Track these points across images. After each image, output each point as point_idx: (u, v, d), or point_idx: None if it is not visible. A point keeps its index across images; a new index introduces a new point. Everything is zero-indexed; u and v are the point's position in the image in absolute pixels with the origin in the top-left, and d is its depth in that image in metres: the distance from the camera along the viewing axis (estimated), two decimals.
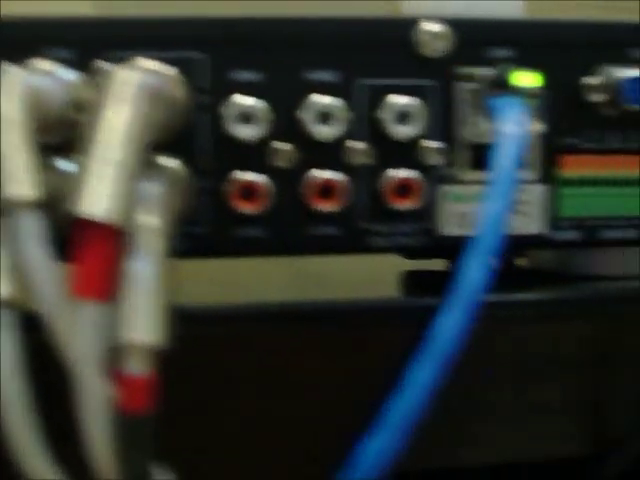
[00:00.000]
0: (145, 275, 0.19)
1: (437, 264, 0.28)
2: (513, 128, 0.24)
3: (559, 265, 0.30)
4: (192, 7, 0.62)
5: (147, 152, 0.21)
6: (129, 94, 0.20)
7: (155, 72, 0.23)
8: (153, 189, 0.20)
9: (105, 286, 0.19)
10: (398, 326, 0.25)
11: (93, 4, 0.61)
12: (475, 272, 0.22)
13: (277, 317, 0.24)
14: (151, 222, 0.19)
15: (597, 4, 0.72)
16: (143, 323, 0.18)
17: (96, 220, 0.18)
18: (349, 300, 0.25)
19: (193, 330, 0.24)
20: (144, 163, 0.22)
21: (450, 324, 0.22)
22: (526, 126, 0.25)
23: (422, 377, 0.21)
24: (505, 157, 0.23)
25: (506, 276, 0.31)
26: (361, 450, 0.22)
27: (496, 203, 0.23)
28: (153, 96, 0.20)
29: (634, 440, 0.25)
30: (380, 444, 0.22)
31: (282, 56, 0.25)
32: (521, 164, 0.26)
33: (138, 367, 0.19)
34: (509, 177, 0.23)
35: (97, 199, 0.18)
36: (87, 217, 0.18)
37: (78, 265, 0.19)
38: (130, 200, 0.19)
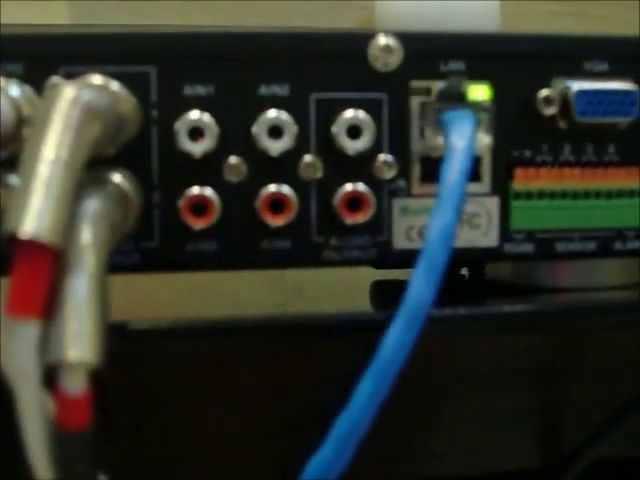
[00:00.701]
0: (78, 293, 0.19)
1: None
2: (462, 142, 0.24)
3: (517, 277, 0.30)
4: (164, 12, 0.62)
5: (88, 168, 0.21)
6: (67, 111, 0.20)
7: (101, 87, 0.23)
8: (91, 206, 0.20)
9: (41, 304, 0.18)
10: (352, 339, 0.25)
11: (68, 6, 0.61)
12: (421, 286, 0.22)
13: (215, 332, 0.24)
14: (87, 239, 0.19)
15: (573, 12, 0.73)
16: (76, 341, 0.18)
17: (30, 239, 0.18)
18: (301, 313, 0.26)
19: (147, 345, 0.24)
20: (85, 179, 0.22)
21: (394, 338, 0.22)
22: (476, 139, 0.26)
23: (365, 391, 0.21)
24: (453, 171, 0.23)
25: (462, 288, 0.31)
26: (308, 463, 0.22)
27: (443, 217, 0.23)
28: (94, 113, 0.20)
29: (585, 453, 0.25)
30: (324, 457, 0.22)
31: (233, 70, 0.25)
32: (472, 177, 0.26)
33: (73, 385, 0.19)
34: (457, 191, 0.23)
35: (31, 217, 0.18)
36: (21, 235, 0.18)
37: (14, 283, 0.18)
38: (65, 218, 0.19)
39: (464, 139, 0.24)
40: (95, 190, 0.21)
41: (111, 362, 0.19)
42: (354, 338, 0.24)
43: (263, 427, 0.25)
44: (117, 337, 0.21)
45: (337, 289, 0.31)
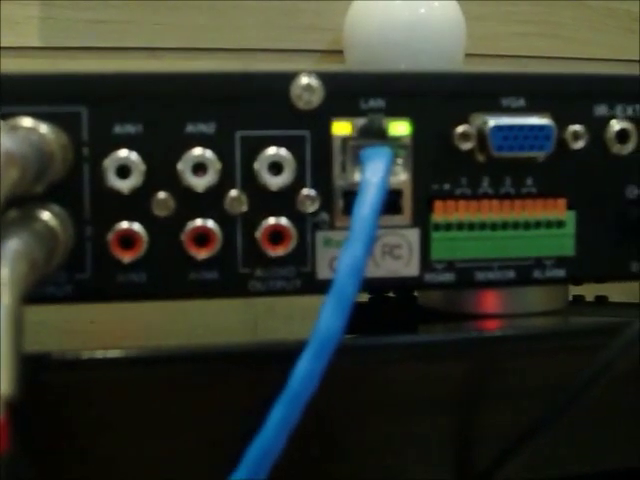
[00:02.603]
0: None
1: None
2: (375, 177, 0.25)
3: (447, 304, 0.31)
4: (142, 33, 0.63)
5: (18, 206, 0.22)
6: None
7: (28, 130, 0.24)
8: (11, 245, 0.21)
9: None
10: (269, 368, 0.26)
11: (39, 29, 0.62)
12: (331, 318, 0.23)
13: (133, 361, 0.25)
14: (4, 278, 0.20)
15: (542, 33, 0.74)
16: None
17: None
18: (222, 343, 0.27)
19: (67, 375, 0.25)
20: (11, 218, 0.23)
21: (303, 368, 0.23)
22: (395, 174, 0.27)
23: (276, 418, 0.23)
24: (364, 205, 0.24)
25: (390, 315, 0.32)
26: None
27: (353, 250, 0.24)
28: (13, 159, 0.21)
29: (493, 475, 0.26)
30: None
31: (161, 110, 0.26)
32: (392, 210, 0.27)
33: None
34: (367, 225, 0.24)
35: None
36: None
37: None
38: None
39: (377, 175, 0.25)
40: (18, 229, 0.22)
41: (32, 392, 0.20)
42: (271, 366, 0.25)
43: (183, 453, 0.26)
44: (40, 368, 0.23)
45: (308, 308, 0.32)
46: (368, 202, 0.25)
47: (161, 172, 0.26)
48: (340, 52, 0.67)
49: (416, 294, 0.34)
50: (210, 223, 0.26)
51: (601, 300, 0.36)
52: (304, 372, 0.23)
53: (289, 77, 0.27)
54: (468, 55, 0.67)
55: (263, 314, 0.34)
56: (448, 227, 0.28)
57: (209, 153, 0.26)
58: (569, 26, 0.75)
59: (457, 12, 0.67)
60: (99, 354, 0.24)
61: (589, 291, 0.35)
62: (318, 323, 0.23)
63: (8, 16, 0.61)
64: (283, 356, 0.23)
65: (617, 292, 0.35)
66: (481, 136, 0.27)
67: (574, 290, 0.35)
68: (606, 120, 0.28)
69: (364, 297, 0.36)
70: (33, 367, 0.21)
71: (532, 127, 0.28)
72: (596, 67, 0.73)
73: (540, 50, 0.75)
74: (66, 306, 0.27)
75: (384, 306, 0.34)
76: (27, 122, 0.25)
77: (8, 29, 0.61)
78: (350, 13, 0.66)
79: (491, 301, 0.31)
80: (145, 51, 0.64)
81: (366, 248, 0.24)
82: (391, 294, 0.36)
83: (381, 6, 0.64)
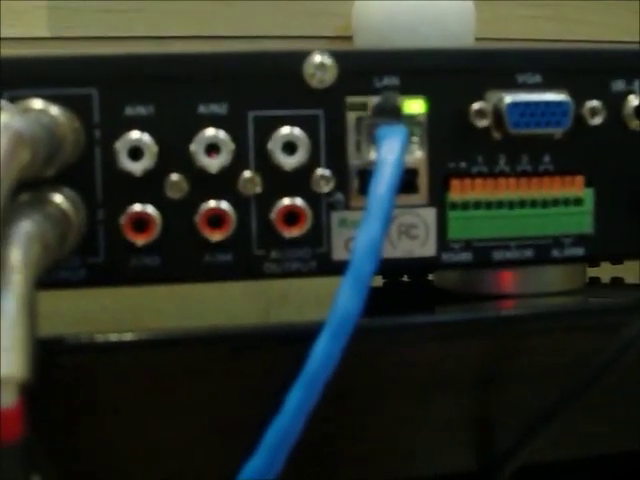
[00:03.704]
0: (7, 312, 0.19)
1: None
2: (391, 156, 0.25)
3: (463, 285, 0.31)
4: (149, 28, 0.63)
5: (30, 189, 0.22)
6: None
7: (39, 112, 0.24)
8: (24, 228, 0.21)
9: None
10: (285, 349, 0.25)
11: (48, 18, 0.62)
12: (348, 298, 0.23)
13: (148, 345, 0.25)
14: (16, 260, 0.20)
15: (549, 16, 0.73)
16: (6, 357, 0.19)
17: None
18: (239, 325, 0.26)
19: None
20: (23, 200, 0.23)
21: (321, 349, 0.22)
22: (409, 152, 0.26)
23: (294, 400, 0.22)
24: (380, 184, 0.24)
25: (406, 298, 0.32)
26: (242, 471, 0.23)
27: (370, 229, 0.23)
28: (23, 140, 0.21)
29: (513, 457, 0.26)
30: (256, 464, 0.22)
31: (173, 91, 0.26)
32: (408, 189, 0.27)
33: (4, 399, 0.19)
34: (384, 204, 0.24)
35: None
36: None
37: None
38: None
39: (393, 153, 0.25)
40: (30, 211, 0.22)
41: (46, 376, 0.20)
42: (287, 349, 0.25)
43: (198, 437, 0.26)
44: (54, 351, 0.22)
45: (321, 295, 0.32)
46: (384, 180, 0.24)
47: (174, 153, 0.26)
48: (349, 38, 0.66)
49: (431, 277, 0.33)
50: (224, 205, 0.26)
51: (617, 282, 0.35)
52: (322, 353, 0.23)
53: (302, 56, 0.26)
54: (477, 39, 0.66)
55: (276, 302, 0.34)
56: (465, 206, 0.27)
57: (222, 134, 0.26)
58: (576, 8, 0.75)
59: None
60: (113, 337, 0.24)
61: (605, 273, 0.35)
62: (335, 303, 0.23)
63: (16, 6, 0.60)
64: (301, 338, 0.23)
65: (633, 275, 0.35)
66: (497, 113, 0.27)
67: (589, 272, 0.34)
68: (624, 95, 0.28)
69: (378, 282, 0.36)
70: (47, 351, 0.21)
71: (549, 103, 0.27)
72: None
73: (549, 33, 0.74)
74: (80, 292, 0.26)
75: (399, 289, 0.34)
76: (38, 104, 0.24)
77: (16, 20, 0.60)
78: None
79: (508, 282, 0.30)
80: (154, 40, 0.64)
81: (383, 227, 0.24)
82: (405, 278, 0.36)
83: None
